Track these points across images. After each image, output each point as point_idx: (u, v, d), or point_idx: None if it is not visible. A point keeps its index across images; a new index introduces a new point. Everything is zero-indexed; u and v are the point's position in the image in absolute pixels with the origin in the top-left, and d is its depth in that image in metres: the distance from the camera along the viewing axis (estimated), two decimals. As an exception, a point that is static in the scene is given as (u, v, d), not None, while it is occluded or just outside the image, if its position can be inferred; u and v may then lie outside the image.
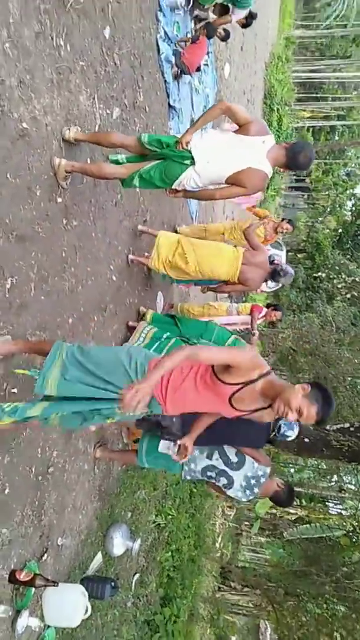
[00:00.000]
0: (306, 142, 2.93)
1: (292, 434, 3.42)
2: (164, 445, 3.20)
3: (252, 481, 3.23)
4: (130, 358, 2.17)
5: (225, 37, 6.15)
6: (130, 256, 4.06)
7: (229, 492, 3.28)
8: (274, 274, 4.26)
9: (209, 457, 3.28)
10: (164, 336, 3.82)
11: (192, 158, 2.70)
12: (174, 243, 4.06)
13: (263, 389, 2.08)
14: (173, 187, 2.84)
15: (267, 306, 5.51)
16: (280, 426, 3.38)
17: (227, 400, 2.14)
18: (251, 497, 3.29)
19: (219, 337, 4.15)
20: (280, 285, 5.72)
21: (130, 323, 4.08)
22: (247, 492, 3.24)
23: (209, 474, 3.33)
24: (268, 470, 3.27)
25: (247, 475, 3.22)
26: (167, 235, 4.17)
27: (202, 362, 2.13)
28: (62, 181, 2.73)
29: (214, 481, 3.34)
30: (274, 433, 3.40)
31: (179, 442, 2.65)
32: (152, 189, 2.99)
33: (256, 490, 3.22)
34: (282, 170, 2.91)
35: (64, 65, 2.70)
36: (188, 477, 3.38)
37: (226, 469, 3.25)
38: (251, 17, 5.70)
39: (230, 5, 5.42)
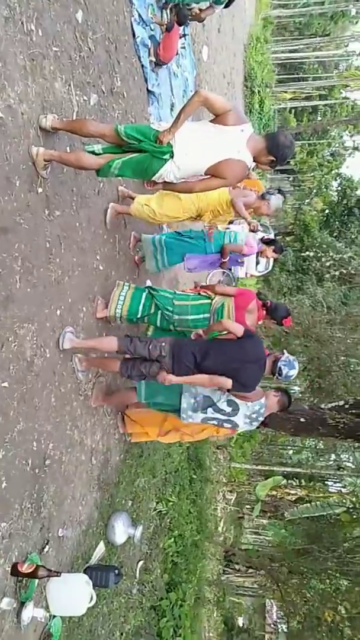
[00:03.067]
0: (284, 131, 2.94)
1: (294, 372, 3.52)
2: None
3: (254, 415, 3.48)
4: None
5: (201, 19, 6.06)
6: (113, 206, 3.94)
7: (239, 429, 3.62)
8: (263, 196, 4.25)
9: (204, 411, 3.50)
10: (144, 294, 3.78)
11: (172, 152, 2.66)
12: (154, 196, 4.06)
13: None
14: (152, 178, 2.79)
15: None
16: (280, 368, 3.45)
17: None
18: (260, 423, 3.55)
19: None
20: (269, 269, 5.68)
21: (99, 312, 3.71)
22: (254, 423, 3.51)
23: (209, 422, 3.62)
24: (263, 400, 3.47)
25: (246, 414, 3.46)
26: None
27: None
28: (42, 170, 2.69)
29: (219, 426, 3.61)
30: (275, 376, 3.47)
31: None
32: (129, 178, 2.96)
33: (260, 418, 3.49)
34: (261, 167, 2.87)
35: (37, 51, 2.64)
36: (189, 420, 3.57)
37: (224, 417, 3.49)
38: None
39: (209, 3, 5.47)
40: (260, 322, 4.10)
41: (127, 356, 3.45)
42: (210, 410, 3.46)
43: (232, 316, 3.67)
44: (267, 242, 4.57)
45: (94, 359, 3.48)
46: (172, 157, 2.67)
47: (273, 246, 4.61)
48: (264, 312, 3.92)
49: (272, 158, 2.74)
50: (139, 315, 3.74)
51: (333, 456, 14.24)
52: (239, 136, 2.66)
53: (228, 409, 3.45)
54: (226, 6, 5.83)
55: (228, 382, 3.15)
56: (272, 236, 4.24)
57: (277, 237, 4.60)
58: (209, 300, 3.76)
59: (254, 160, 2.76)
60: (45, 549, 2.78)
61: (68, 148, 3.04)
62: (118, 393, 3.91)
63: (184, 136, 2.66)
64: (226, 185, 2.89)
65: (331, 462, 14.35)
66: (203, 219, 4.42)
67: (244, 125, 2.68)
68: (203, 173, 2.76)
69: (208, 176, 2.78)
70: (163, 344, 3.23)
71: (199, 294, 3.90)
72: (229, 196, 4.19)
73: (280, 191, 4.52)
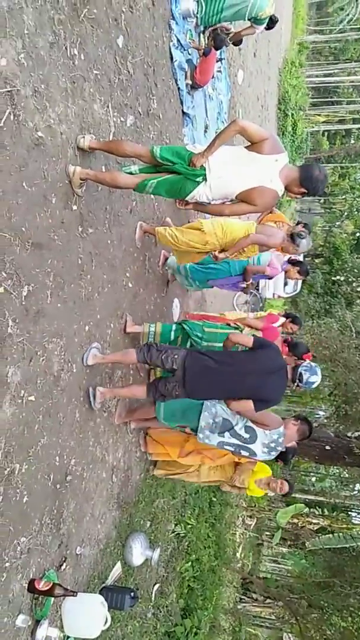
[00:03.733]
0: (319, 165, 2.91)
1: (316, 379, 3.40)
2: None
3: (272, 444, 3.33)
4: None
5: (238, 42, 6.15)
6: (140, 225, 3.95)
7: (258, 459, 3.43)
8: (294, 237, 4.08)
9: (222, 434, 3.38)
10: (172, 336, 3.92)
11: (204, 175, 2.70)
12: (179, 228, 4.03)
13: None
14: (184, 199, 2.85)
15: (285, 316, 5.12)
16: (300, 374, 3.36)
17: None
18: (279, 452, 3.39)
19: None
20: (297, 291, 5.60)
21: (128, 329, 3.77)
22: (272, 452, 3.35)
23: (226, 447, 3.46)
24: (281, 429, 3.31)
25: (264, 443, 3.32)
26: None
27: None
28: (77, 189, 2.74)
29: (236, 453, 3.49)
30: (296, 384, 3.38)
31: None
32: (163, 197, 3.00)
33: (279, 448, 3.34)
34: (293, 196, 2.88)
35: (78, 74, 2.72)
36: (206, 441, 3.45)
37: (242, 444, 3.35)
38: (272, 21, 5.73)
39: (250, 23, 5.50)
40: None
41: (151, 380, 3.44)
42: (227, 434, 3.36)
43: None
44: (293, 262, 4.49)
45: (118, 389, 3.44)
46: (205, 180, 2.70)
47: (298, 267, 4.51)
48: (286, 348, 3.97)
49: (304, 190, 2.75)
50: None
51: (358, 486, 13.77)
52: (273, 165, 2.68)
53: (245, 435, 3.34)
54: (268, 28, 5.89)
55: (249, 404, 3.04)
56: (300, 257, 4.14)
57: (305, 259, 4.51)
58: (237, 331, 3.81)
59: (286, 189, 2.77)
60: (63, 567, 2.75)
61: (104, 167, 3.10)
62: (141, 409, 3.89)
63: (217, 160, 2.69)
64: (255, 212, 2.86)
65: (356, 492, 13.88)
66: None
67: (280, 155, 2.70)
68: (234, 197, 2.77)
69: (237, 201, 2.80)
70: (176, 356, 3.12)
71: (228, 324, 3.94)
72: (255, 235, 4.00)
73: (306, 225, 4.48)
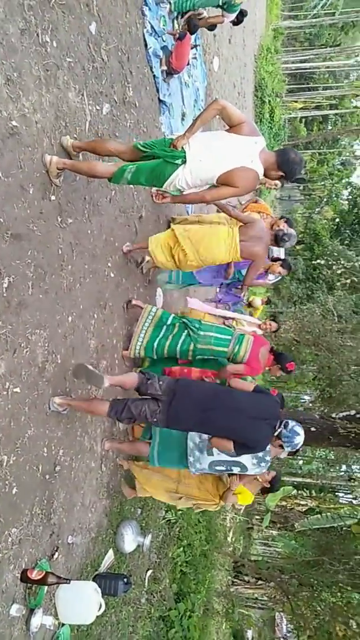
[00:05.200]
0: (295, 149, 2.97)
1: (300, 432, 3.22)
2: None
3: (260, 454, 3.33)
4: None
5: (212, 27, 6.12)
6: (125, 248, 4.01)
7: (249, 473, 3.41)
8: (277, 239, 4.12)
9: (210, 453, 3.38)
10: (169, 320, 3.98)
11: (184, 157, 2.71)
12: (166, 242, 3.99)
13: None
14: (163, 187, 2.83)
15: (267, 302, 5.17)
16: (286, 422, 3.21)
17: None
18: (269, 465, 3.44)
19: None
20: (279, 278, 5.65)
21: (134, 302, 4.11)
22: (262, 464, 3.37)
23: (217, 468, 3.44)
24: (268, 449, 3.31)
25: (252, 456, 3.33)
26: (157, 239, 4.04)
27: None
28: (55, 179, 2.72)
29: (228, 472, 3.47)
30: (279, 431, 3.17)
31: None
32: (142, 185, 2.99)
33: (268, 458, 3.37)
34: (271, 183, 2.95)
35: (51, 62, 2.69)
36: (197, 473, 3.49)
37: (232, 459, 3.32)
38: (241, 14, 5.72)
39: (220, 10, 5.48)
40: (267, 369, 4.29)
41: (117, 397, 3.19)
42: (215, 451, 3.32)
43: (249, 348, 3.88)
44: (275, 259, 4.44)
45: (78, 402, 2.93)
46: (184, 162, 2.71)
47: (281, 262, 4.57)
48: (272, 356, 4.13)
49: (282, 173, 2.81)
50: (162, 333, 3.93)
51: (344, 467, 14.07)
52: (253, 147, 2.72)
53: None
54: (237, 22, 5.87)
55: (229, 445, 2.94)
56: (282, 255, 4.19)
57: (287, 255, 4.54)
58: (229, 336, 3.94)
59: (264, 175, 2.81)
60: (55, 556, 2.77)
61: (81, 156, 3.07)
62: (132, 445, 3.80)
63: (198, 142, 2.71)
64: (237, 194, 2.85)
65: (342, 473, 14.18)
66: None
67: (258, 137, 2.74)
68: (215, 181, 2.77)
69: (217, 186, 2.80)
70: (161, 382, 2.93)
71: (224, 323, 4.19)
72: (237, 249, 3.94)
73: (288, 220, 4.55)
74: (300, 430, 3.24)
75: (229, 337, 3.95)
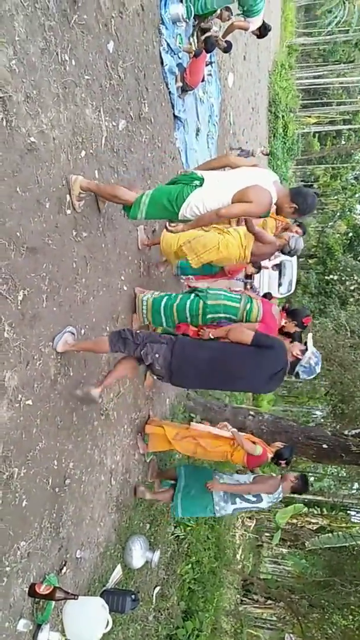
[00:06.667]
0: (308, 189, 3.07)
1: (312, 375, 3.47)
2: None
3: (274, 500, 4.05)
4: None
5: (227, 49, 6.21)
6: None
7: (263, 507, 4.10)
8: (283, 250, 4.20)
9: (234, 503, 3.99)
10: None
11: (202, 180, 2.81)
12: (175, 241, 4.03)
13: None
14: (180, 212, 2.86)
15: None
16: (297, 373, 3.45)
17: None
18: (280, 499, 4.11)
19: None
20: (291, 291, 5.64)
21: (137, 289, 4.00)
22: (274, 500, 4.06)
23: (239, 511, 4.27)
24: (280, 488, 3.94)
25: (268, 501, 3.98)
26: (168, 242, 4.07)
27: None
28: (77, 201, 2.78)
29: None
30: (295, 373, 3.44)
31: None
32: (158, 217, 3.06)
33: (280, 497, 4.04)
34: (283, 218, 3.03)
35: (70, 80, 2.74)
36: (222, 512, 4.06)
37: (251, 505, 4.02)
38: (265, 28, 5.89)
39: (243, 17, 5.58)
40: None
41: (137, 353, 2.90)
42: (238, 500, 3.97)
43: (261, 306, 3.81)
44: (289, 314, 4.19)
45: (81, 343, 2.86)
46: (201, 184, 2.79)
47: (295, 321, 4.13)
48: (284, 314, 4.02)
49: (295, 206, 2.87)
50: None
51: (356, 485, 13.81)
52: (267, 176, 2.84)
53: (253, 499, 3.96)
54: (261, 36, 6.06)
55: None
56: (294, 259, 4.27)
57: (299, 259, 4.56)
58: (238, 305, 3.82)
59: (277, 212, 2.94)
60: (63, 570, 2.75)
61: (96, 172, 3.11)
62: (161, 493, 4.31)
63: (215, 172, 2.91)
64: (250, 210, 2.78)
65: (354, 491, 13.91)
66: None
67: (271, 173, 2.92)
68: (230, 201, 2.79)
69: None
70: (157, 355, 2.78)
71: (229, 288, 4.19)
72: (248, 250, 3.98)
73: (300, 224, 4.54)
74: (313, 358, 3.40)
75: (239, 297, 3.88)
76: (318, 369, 3.47)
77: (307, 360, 3.40)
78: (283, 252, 4.30)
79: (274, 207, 2.95)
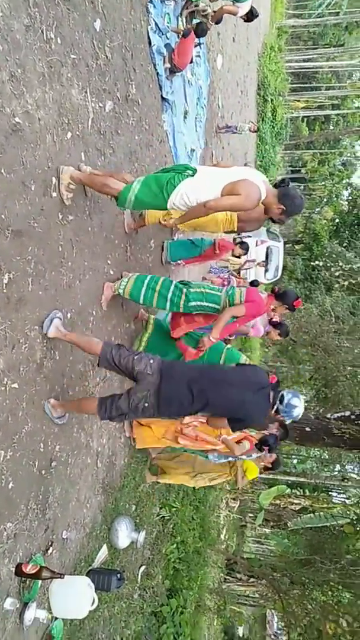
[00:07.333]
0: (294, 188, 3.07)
1: (298, 403, 3.27)
2: None
3: None
4: None
5: (218, 21, 6.12)
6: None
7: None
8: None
9: None
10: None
11: (195, 170, 2.85)
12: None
13: None
14: (169, 201, 2.86)
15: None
16: (282, 395, 3.25)
17: None
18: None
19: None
20: (277, 277, 5.69)
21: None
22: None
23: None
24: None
25: None
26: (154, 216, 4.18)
27: None
28: (65, 191, 2.76)
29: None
30: (275, 408, 3.16)
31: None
32: (147, 207, 3.07)
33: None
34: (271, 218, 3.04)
35: (55, 59, 2.69)
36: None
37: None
38: (252, 14, 5.90)
39: (232, 1, 5.56)
40: (271, 307, 4.00)
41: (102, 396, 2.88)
42: None
43: (243, 292, 3.77)
44: (274, 324, 4.26)
45: (70, 402, 2.92)
46: (193, 174, 2.82)
47: (279, 330, 4.26)
48: (273, 298, 3.95)
49: (283, 207, 2.89)
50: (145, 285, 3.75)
51: (338, 467, 14.15)
52: (258, 176, 2.88)
53: None
54: (248, 20, 6.05)
55: (224, 422, 2.92)
56: (281, 245, 4.28)
57: (286, 245, 4.61)
58: (219, 293, 3.83)
59: (265, 212, 2.98)
60: (49, 551, 2.80)
61: (82, 157, 3.07)
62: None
63: (208, 167, 3.00)
64: (239, 203, 2.80)
65: (336, 473, 14.25)
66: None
67: (261, 174, 2.96)
68: (219, 194, 2.82)
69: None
70: (151, 360, 2.73)
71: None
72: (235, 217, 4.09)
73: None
74: (297, 401, 3.25)
75: (220, 288, 3.94)
76: (299, 410, 3.27)
77: (287, 401, 3.24)
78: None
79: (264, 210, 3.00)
